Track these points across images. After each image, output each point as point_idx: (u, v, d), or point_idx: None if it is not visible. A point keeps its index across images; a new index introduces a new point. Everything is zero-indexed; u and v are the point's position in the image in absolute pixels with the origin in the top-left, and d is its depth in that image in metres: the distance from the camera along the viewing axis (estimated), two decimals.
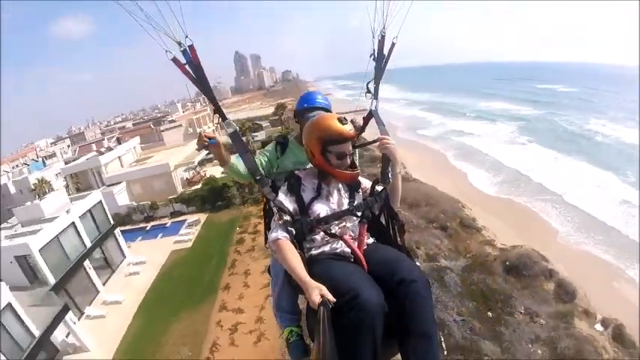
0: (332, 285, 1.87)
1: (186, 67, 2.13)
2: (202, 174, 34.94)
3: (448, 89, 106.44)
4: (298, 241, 2.17)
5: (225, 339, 16.79)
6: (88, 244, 22.33)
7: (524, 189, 29.72)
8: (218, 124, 2.40)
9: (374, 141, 2.62)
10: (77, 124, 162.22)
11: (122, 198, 31.86)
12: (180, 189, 32.19)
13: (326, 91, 52.62)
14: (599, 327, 14.12)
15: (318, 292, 1.82)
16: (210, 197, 30.50)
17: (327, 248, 2.25)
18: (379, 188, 2.51)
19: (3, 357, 14.16)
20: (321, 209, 2.26)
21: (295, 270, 1.99)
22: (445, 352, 12.21)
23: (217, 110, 2.29)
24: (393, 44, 2.71)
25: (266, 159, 2.94)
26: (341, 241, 2.24)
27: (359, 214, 2.34)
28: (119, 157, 38.77)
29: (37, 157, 59.83)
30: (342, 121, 2.23)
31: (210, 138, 2.35)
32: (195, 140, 2.54)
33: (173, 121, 59.94)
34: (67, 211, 21.60)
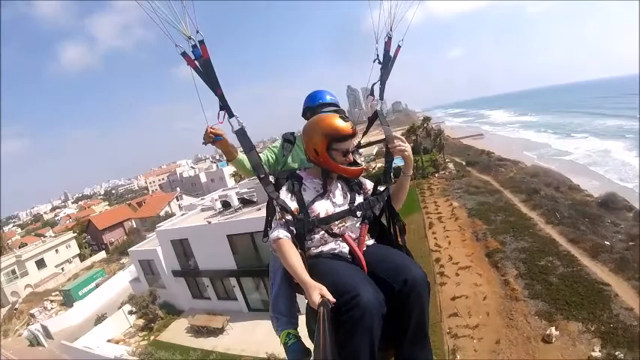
0: (332, 285, 1.87)
1: (196, 62, 2.13)
2: (373, 166, 49.15)
3: (557, 110, 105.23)
4: (299, 241, 2.16)
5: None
6: None
7: None
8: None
9: (379, 141, 2.73)
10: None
11: None
12: None
13: (439, 119, 59.97)
14: None
15: (318, 292, 1.82)
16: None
17: (326, 248, 2.26)
18: (381, 188, 2.49)
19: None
20: (322, 209, 2.26)
21: (295, 270, 1.99)
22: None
23: (225, 107, 2.27)
24: (398, 47, 2.69)
25: (273, 156, 2.96)
26: (341, 242, 2.25)
27: (359, 214, 2.33)
28: None
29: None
30: (343, 118, 2.25)
31: (216, 135, 2.40)
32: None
33: None
34: None
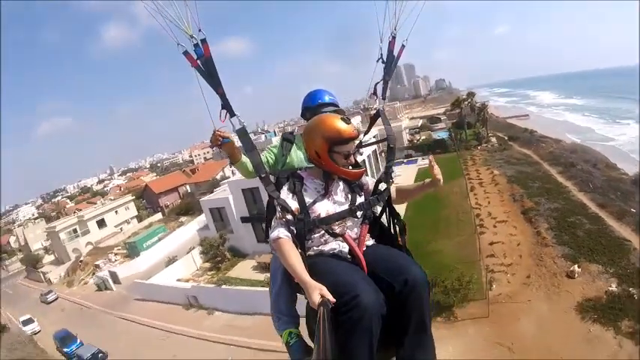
0: (332, 285, 1.88)
1: (198, 61, 2.16)
2: (418, 137, 52.02)
3: (605, 94, 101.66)
4: (299, 241, 2.17)
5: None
6: (375, 176, 34.14)
7: None
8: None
9: (379, 141, 2.86)
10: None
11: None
12: (406, 142, 49.65)
13: (483, 99, 59.59)
14: None
15: (318, 292, 1.82)
16: (432, 145, 40.57)
17: (327, 248, 2.27)
18: (382, 187, 2.51)
19: None
20: (322, 209, 2.27)
21: (295, 270, 2.00)
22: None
23: (226, 106, 2.29)
24: (402, 46, 2.72)
25: (272, 156, 2.98)
26: (341, 242, 2.26)
27: (360, 214, 2.34)
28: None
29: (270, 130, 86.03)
30: (345, 120, 2.25)
31: (224, 137, 2.40)
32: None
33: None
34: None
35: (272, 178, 2.43)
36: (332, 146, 2.22)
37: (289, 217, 2.19)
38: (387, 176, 2.52)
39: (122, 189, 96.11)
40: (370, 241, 2.40)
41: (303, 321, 2.46)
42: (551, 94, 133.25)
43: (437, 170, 2.43)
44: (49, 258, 54.22)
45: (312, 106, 2.99)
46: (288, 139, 3.04)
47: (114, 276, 34.14)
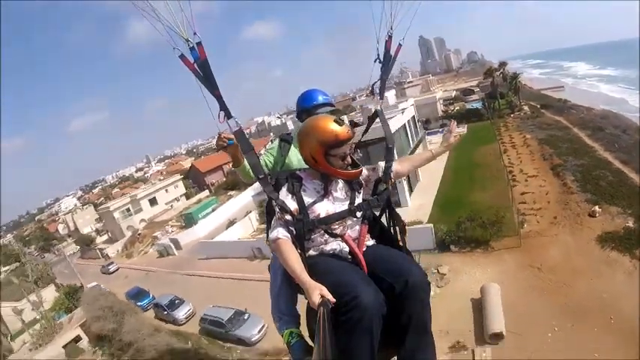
0: (331, 285, 1.89)
1: (194, 64, 2.14)
2: (452, 108, 51.65)
3: None
4: (298, 241, 2.18)
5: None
6: (412, 142, 29.39)
7: None
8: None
9: (379, 139, 2.86)
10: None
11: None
12: (440, 113, 48.67)
13: (516, 70, 60.64)
14: None
15: (318, 292, 1.83)
16: (466, 114, 43.39)
17: (326, 248, 2.29)
18: (382, 188, 2.52)
19: None
20: (321, 209, 2.28)
21: (295, 270, 2.00)
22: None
23: (223, 108, 2.27)
24: (399, 45, 2.75)
25: (271, 158, 3.00)
26: (341, 242, 2.28)
27: (359, 214, 2.36)
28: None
29: None
30: (338, 122, 2.23)
31: (229, 139, 2.38)
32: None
33: (411, 81, 78.69)
34: (402, 111, 29.02)
35: (271, 179, 2.44)
36: (327, 149, 2.23)
37: (288, 217, 2.21)
38: (385, 176, 2.54)
39: (164, 174, 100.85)
40: (370, 242, 2.43)
41: (304, 321, 2.47)
42: (585, 64, 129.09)
43: (453, 127, 2.72)
44: (100, 239, 58.69)
45: (308, 107, 3.04)
46: (285, 140, 3.11)
47: (175, 242, 36.40)
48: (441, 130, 40.33)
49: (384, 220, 2.62)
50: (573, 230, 17.10)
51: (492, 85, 45.06)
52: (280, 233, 2.18)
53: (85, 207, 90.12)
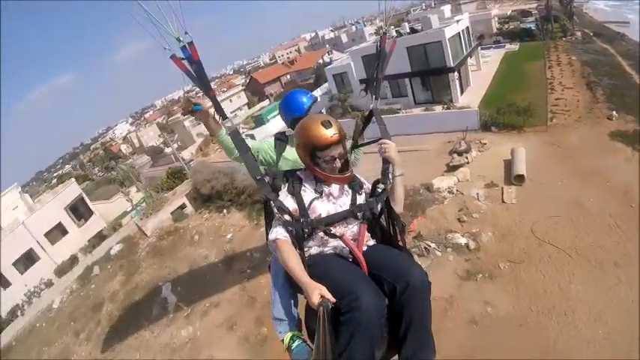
0: (331, 286, 1.91)
1: (186, 64, 2.14)
2: (507, 26, 51.45)
3: None
4: (298, 242, 2.20)
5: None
6: (465, 50, 31.31)
7: None
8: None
9: (374, 141, 2.74)
10: None
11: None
12: (495, 30, 49.48)
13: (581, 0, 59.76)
14: None
15: (318, 292, 1.85)
16: (520, 33, 45.54)
17: (326, 248, 2.32)
18: (380, 189, 2.51)
19: None
20: (321, 209, 2.31)
21: (295, 270, 2.03)
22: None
23: (217, 109, 2.36)
24: (394, 41, 2.84)
25: (269, 157, 3.06)
26: (341, 242, 2.29)
27: (359, 214, 2.37)
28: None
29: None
30: (325, 125, 2.22)
31: (195, 104, 2.39)
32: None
33: None
34: (457, 22, 30.71)
35: (267, 179, 2.43)
36: (313, 152, 2.27)
37: (287, 218, 2.23)
38: (384, 177, 2.54)
39: (221, 89, 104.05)
40: (371, 242, 2.48)
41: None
42: None
43: (380, 144, 2.59)
44: (168, 150, 62.20)
45: (302, 115, 3.16)
46: (280, 139, 3.22)
47: (252, 137, 37.90)
48: (494, 46, 43.30)
49: (383, 220, 2.61)
50: (592, 126, 21.45)
51: (547, 7, 46.17)
52: (280, 234, 2.24)
53: (147, 125, 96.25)
